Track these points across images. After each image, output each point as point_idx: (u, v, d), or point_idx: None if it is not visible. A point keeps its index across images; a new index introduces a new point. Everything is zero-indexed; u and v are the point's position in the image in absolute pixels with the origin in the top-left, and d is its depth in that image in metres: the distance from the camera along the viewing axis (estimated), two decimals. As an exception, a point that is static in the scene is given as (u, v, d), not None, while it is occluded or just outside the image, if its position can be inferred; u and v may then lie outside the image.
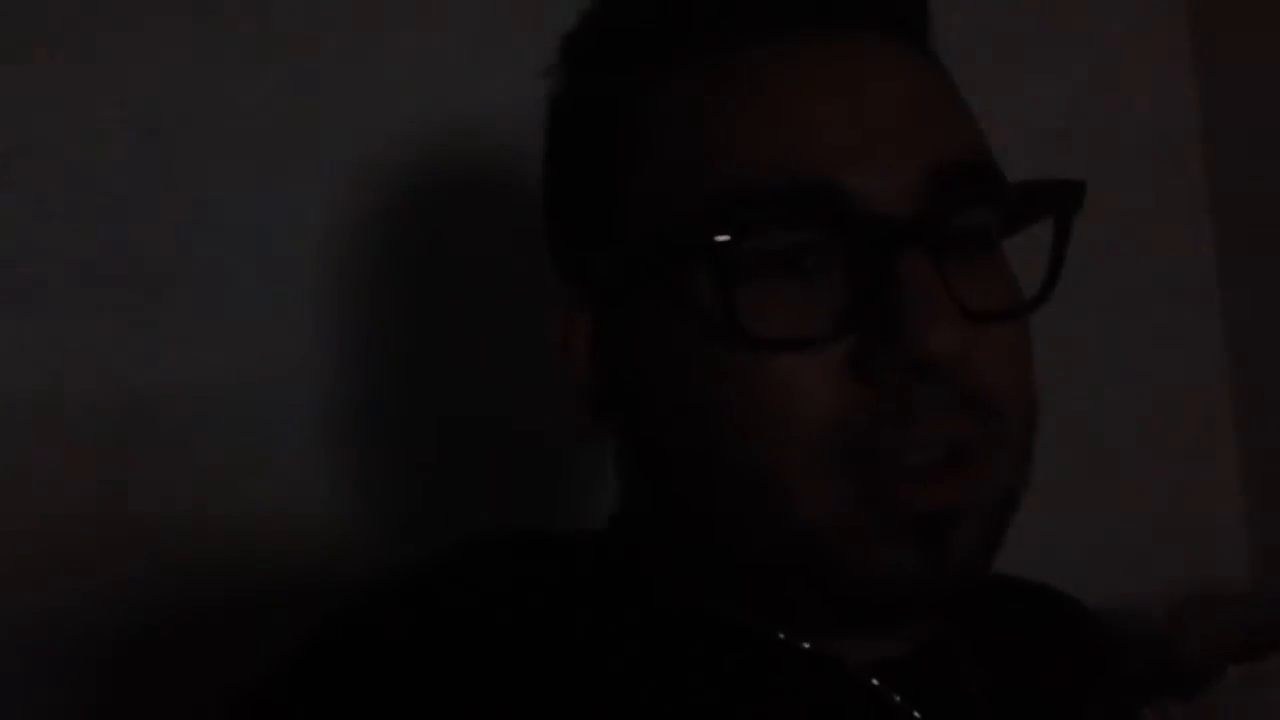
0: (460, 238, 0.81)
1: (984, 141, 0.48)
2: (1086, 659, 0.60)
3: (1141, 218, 1.00)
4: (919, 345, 0.42)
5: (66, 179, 0.72)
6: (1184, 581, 1.00)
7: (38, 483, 0.71)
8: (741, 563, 0.47)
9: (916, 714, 0.49)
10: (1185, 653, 0.90)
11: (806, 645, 0.48)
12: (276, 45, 0.77)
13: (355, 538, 0.77)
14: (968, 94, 0.49)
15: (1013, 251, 0.49)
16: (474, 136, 0.80)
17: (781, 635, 0.48)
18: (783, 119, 0.45)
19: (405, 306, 0.80)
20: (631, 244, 0.48)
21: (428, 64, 0.80)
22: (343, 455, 0.78)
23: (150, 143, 0.74)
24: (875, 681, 0.49)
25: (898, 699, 0.49)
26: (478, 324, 0.80)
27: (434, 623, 0.46)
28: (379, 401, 0.79)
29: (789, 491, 0.44)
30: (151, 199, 0.74)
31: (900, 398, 0.43)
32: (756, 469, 0.44)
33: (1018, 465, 0.47)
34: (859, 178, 0.44)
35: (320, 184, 0.77)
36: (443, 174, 0.81)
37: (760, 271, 0.44)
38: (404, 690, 0.44)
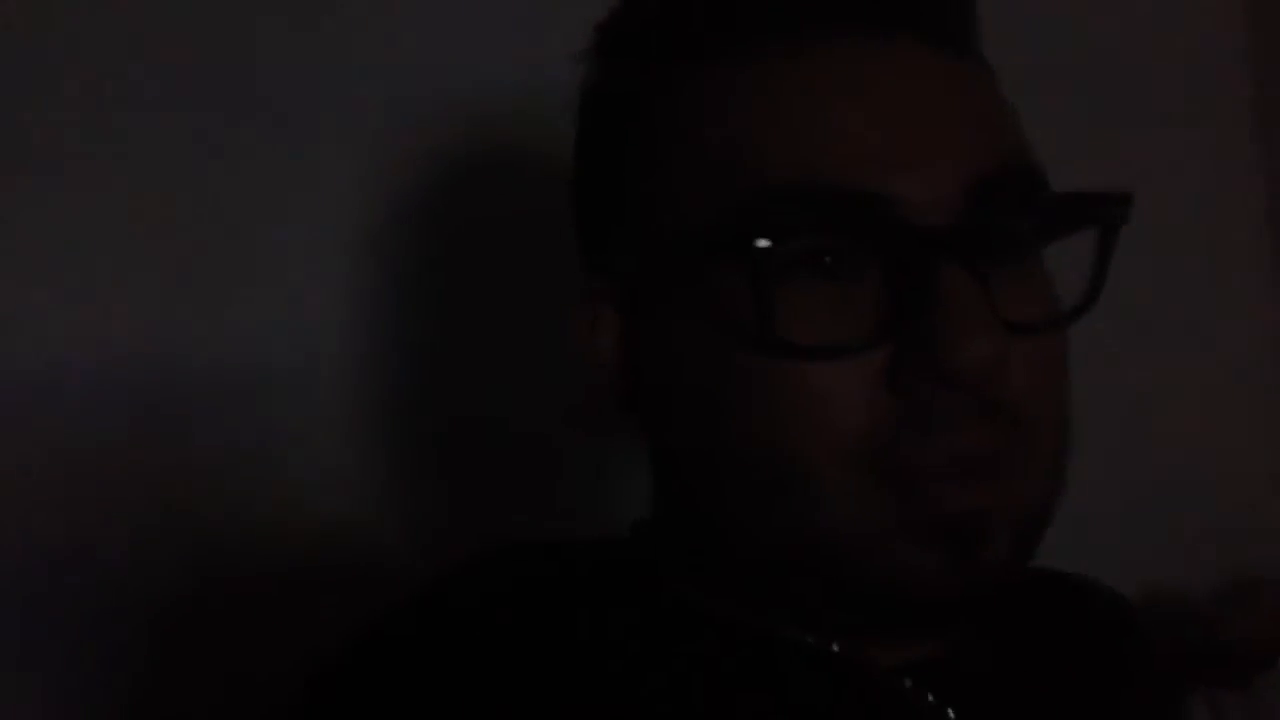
0: (481, 234, 0.80)
1: (1027, 145, 0.47)
2: (1125, 654, 0.59)
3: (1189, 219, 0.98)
4: (950, 358, 0.41)
5: (87, 166, 0.72)
6: (1228, 567, 0.99)
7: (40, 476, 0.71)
8: (767, 566, 0.47)
9: (951, 714, 0.48)
10: (1229, 639, 0.89)
11: (835, 648, 0.48)
12: (310, 30, 0.77)
13: (375, 531, 0.77)
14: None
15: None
16: (491, 126, 0.79)
17: (810, 640, 0.48)
18: (822, 123, 0.44)
19: (426, 304, 0.80)
20: (661, 241, 0.47)
21: (458, 55, 0.79)
22: (363, 450, 0.78)
23: (185, 123, 0.73)
24: (908, 683, 0.48)
25: (931, 698, 0.48)
26: (498, 320, 0.80)
27: (453, 638, 0.46)
28: (400, 397, 0.79)
29: (819, 498, 0.44)
30: (184, 182, 0.73)
31: (933, 409, 0.42)
32: (787, 475, 0.44)
33: (1050, 477, 0.46)
34: (898, 185, 0.43)
35: (342, 181, 0.77)
36: (465, 169, 0.80)
37: (795, 275, 0.43)
38: (425, 706, 0.44)
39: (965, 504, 0.43)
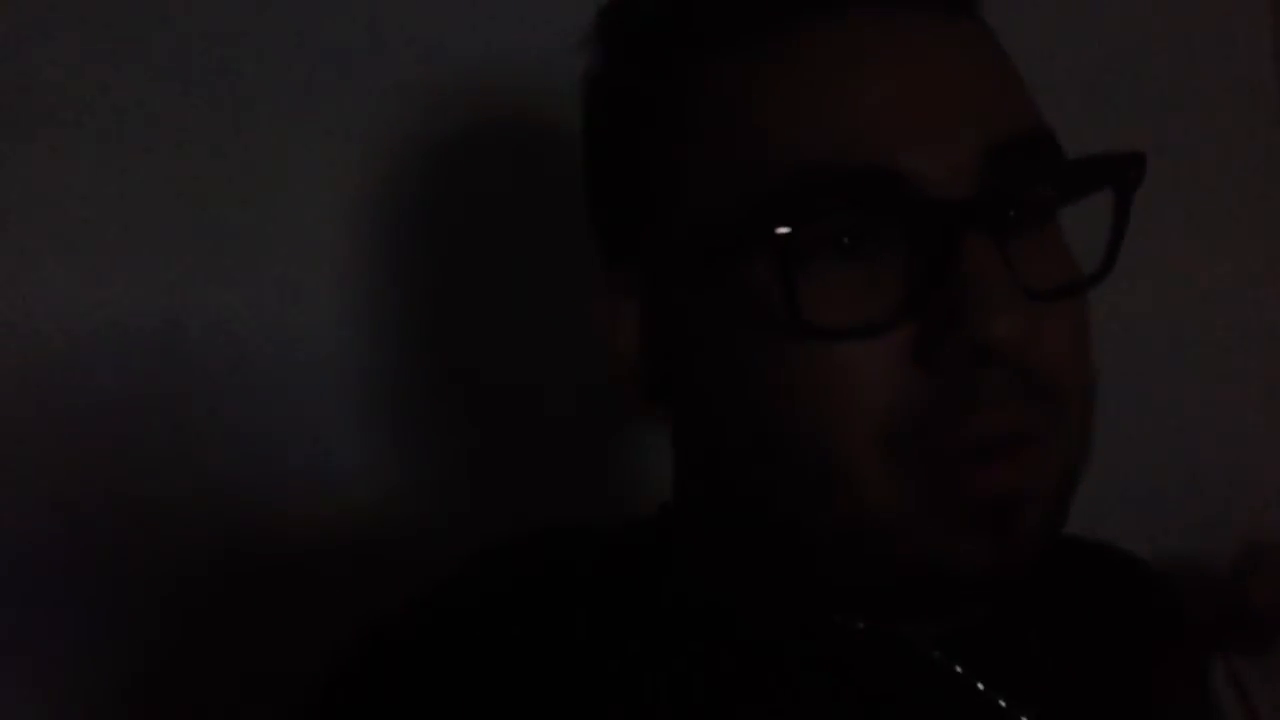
0: (504, 208, 0.79)
1: (1038, 112, 0.47)
2: (1150, 618, 0.59)
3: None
4: (984, 332, 0.41)
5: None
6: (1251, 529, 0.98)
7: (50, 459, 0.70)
8: (801, 550, 0.47)
9: (980, 685, 0.48)
10: (1253, 603, 0.88)
11: (861, 625, 0.48)
12: (318, 10, 0.75)
13: (393, 507, 0.76)
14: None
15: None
16: (515, 102, 0.78)
17: (836, 618, 0.48)
18: (833, 102, 0.43)
19: (450, 284, 0.79)
20: (681, 230, 0.47)
21: (467, 31, 0.78)
22: (382, 423, 0.77)
23: (200, 102, 0.73)
24: (937, 654, 0.48)
25: (959, 670, 0.48)
26: (520, 293, 0.79)
27: (470, 634, 0.46)
28: (418, 369, 0.78)
29: (852, 480, 0.43)
30: (198, 162, 0.73)
31: (963, 384, 0.42)
32: (819, 458, 0.43)
33: (1078, 445, 0.46)
34: (914, 159, 0.42)
35: (359, 149, 0.76)
36: (485, 145, 0.79)
37: (817, 258, 0.43)
38: (446, 699, 0.44)
39: (1002, 483, 0.43)
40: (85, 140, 0.70)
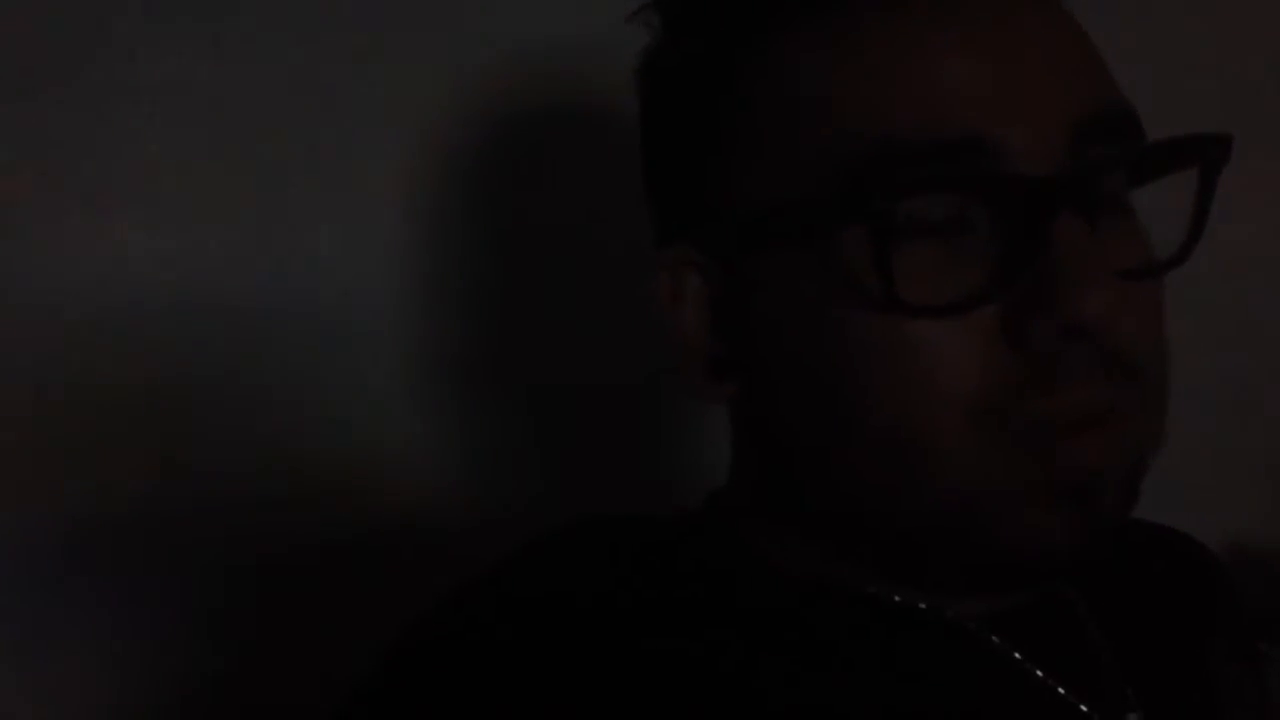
0: (566, 193, 0.79)
1: (1120, 88, 0.46)
2: (1208, 602, 0.59)
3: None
4: (1076, 309, 0.41)
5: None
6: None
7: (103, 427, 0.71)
8: (879, 532, 0.46)
9: (1039, 672, 0.48)
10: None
11: (922, 605, 0.48)
12: None
13: (447, 483, 0.77)
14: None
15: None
16: (572, 86, 0.78)
17: (897, 598, 0.48)
18: (922, 74, 0.43)
19: (502, 259, 0.80)
20: (753, 202, 0.46)
21: (527, 13, 0.78)
22: (436, 401, 0.78)
23: (265, 64, 0.73)
24: (995, 639, 0.48)
25: (1017, 655, 0.48)
26: (576, 278, 0.79)
27: (537, 617, 0.46)
28: (473, 351, 0.79)
29: (941, 459, 0.43)
30: (263, 122, 0.73)
31: (1052, 362, 0.42)
32: (906, 437, 0.43)
33: (1156, 424, 0.46)
34: (1006, 133, 0.42)
35: (420, 131, 0.76)
36: (547, 118, 0.79)
37: (907, 234, 0.42)
38: (511, 689, 0.43)
39: (1092, 461, 0.43)
40: (152, 113, 0.71)
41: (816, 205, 0.44)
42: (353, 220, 0.74)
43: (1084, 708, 0.48)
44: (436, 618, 0.47)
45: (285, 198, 0.73)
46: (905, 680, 0.46)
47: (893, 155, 0.42)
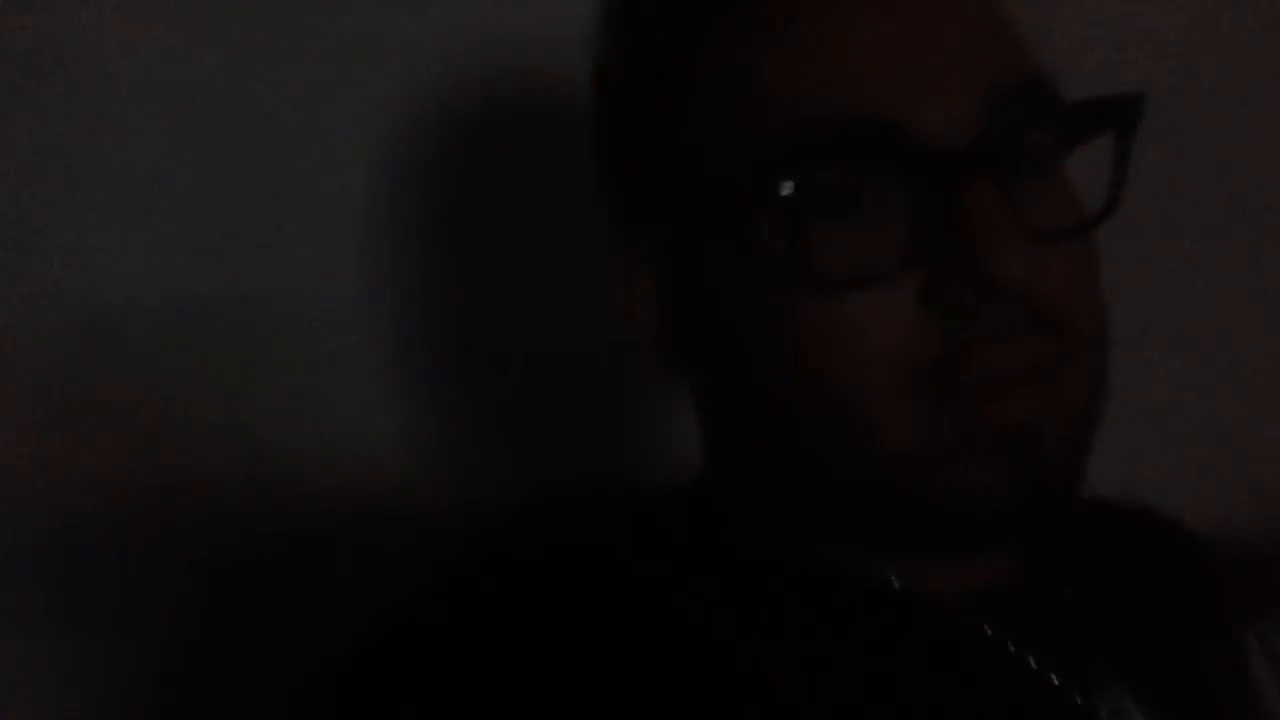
0: (527, 185, 0.80)
1: (1037, 59, 0.47)
2: (1189, 582, 0.59)
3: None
4: (989, 271, 0.42)
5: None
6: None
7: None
8: (829, 498, 0.47)
9: (1013, 649, 0.48)
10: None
11: (897, 584, 0.48)
12: None
13: (421, 473, 0.77)
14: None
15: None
16: (532, 67, 0.79)
17: (873, 574, 0.48)
18: (830, 57, 0.44)
19: (470, 241, 0.80)
20: (688, 192, 0.48)
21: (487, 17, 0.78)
22: (409, 389, 0.78)
23: (240, 69, 0.74)
24: (972, 617, 0.48)
25: (989, 631, 0.48)
26: (544, 265, 0.80)
27: (518, 592, 0.46)
28: (446, 339, 0.79)
29: (873, 424, 0.44)
30: (236, 124, 0.74)
31: (973, 323, 0.43)
32: (838, 407, 0.44)
33: (1093, 380, 0.47)
34: (913, 110, 0.43)
35: (378, 113, 0.77)
36: (508, 105, 0.80)
37: (822, 212, 0.43)
38: (478, 671, 0.44)
39: (1020, 413, 0.43)
40: (130, 117, 0.71)
41: (734, 188, 0.45)
42: (321, 213, 0.75)
43: (1061, 683, 0.48)
44: (416, 598, 0.48)
45: (254, 194, 0.74)
46: (877, 655, 0.47)
47: (803, 135, 0.43)
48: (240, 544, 0.73)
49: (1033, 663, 0.48)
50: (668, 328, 0.50)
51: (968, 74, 0.44)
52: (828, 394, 0.44)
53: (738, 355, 0.47)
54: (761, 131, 0.45)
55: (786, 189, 0.43)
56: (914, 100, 0.43)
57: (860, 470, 0.45)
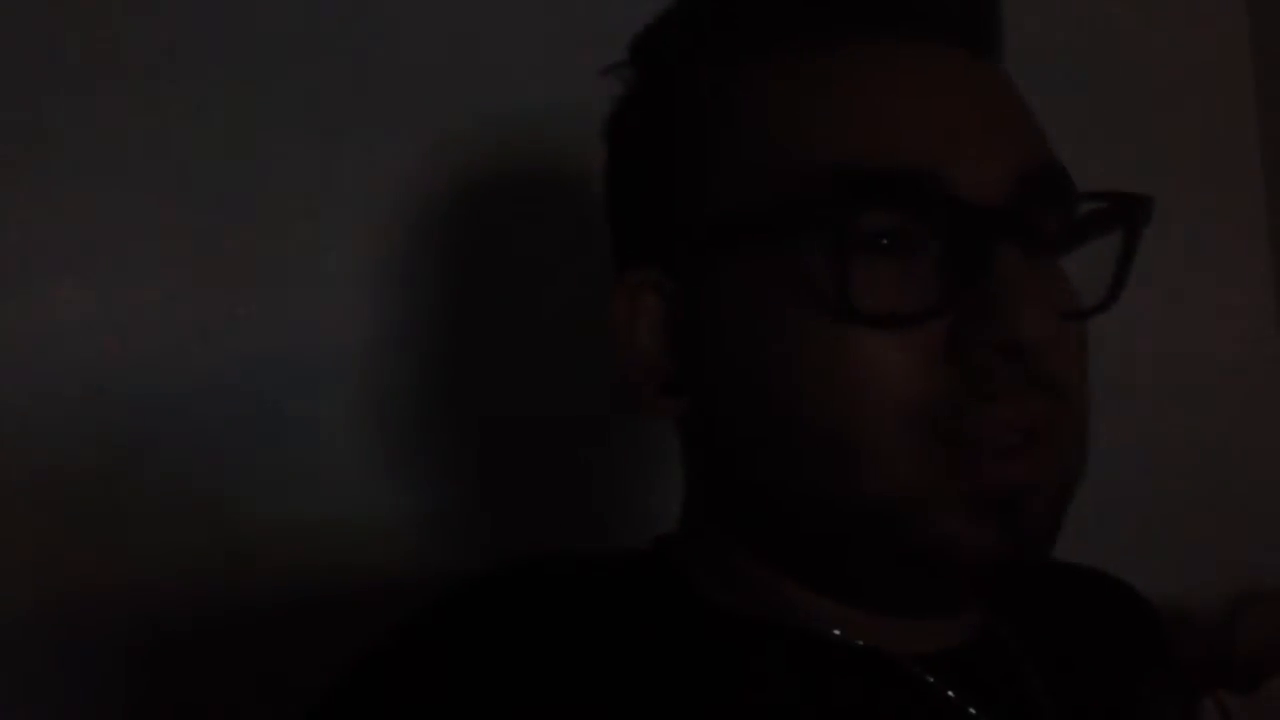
0: (509, 236, 0.82)
1: (1055, 150, 0.50)
2: (1140, 645, 0.60)
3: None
4: (1019, 328, 0.44)
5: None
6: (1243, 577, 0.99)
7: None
8: (812, 536, 0.48)
9: (972, 710, 0.49)
10: (1241, 645, 0.89)
11: (860, 643, 0.49)
12: (343, 35, 0.79)
13: (402, 537, 0.78)
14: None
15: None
16: (522, 137, 0.81)
17: (836, 632, 0.49)
18: (880, 110, 0.47)
19: (453, 304, 0.81)
20: (712, 224, 0.49)
21: (485, 61, 0.81)
22: (390, 453, 0.79)
23: (219, 125, 0.75)
24: (930, 678, 0.49)
25: (950, 694, 0.49)
26: (524, 321, 0.81)
27: (477, 650, 0.47)
28: (426, 399, 0.80)
29: (872, 460, 0.45)
30: (216, 183, 0.75)
31: (986, 378, 0.45)
32: (840, 437, 0.46)
33: (1080, 451, 0.48)
34: (959, 170, 0.46)
35: (373, 182, 0.78)
36: (491, 172, 0.81)
37: (861, 252, 0.45)
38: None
39: (1019, 476, 0.45)
40: (119, 165, 0.73)
41: (783, 216, 0.47)
42: (292, 279, 0.76)
43: None
44: (371, 657, 0.48)
45: (221, 261, 0.75)
46: (837, 717, 0.47)
47: (854, 175, 0.46)
48: (223, 618, 0.73)
49: None
50: (672, 356, 0.51)
51: (1003, 148, 0.47)
52: (831, 423, 0.45)
53: (744, 381, 0.48)
54: (811, 168, 0.46)
55: (839, 219, 0.45)
56: (955, 161, 0.46)
57: (847, 503, 0.46)
